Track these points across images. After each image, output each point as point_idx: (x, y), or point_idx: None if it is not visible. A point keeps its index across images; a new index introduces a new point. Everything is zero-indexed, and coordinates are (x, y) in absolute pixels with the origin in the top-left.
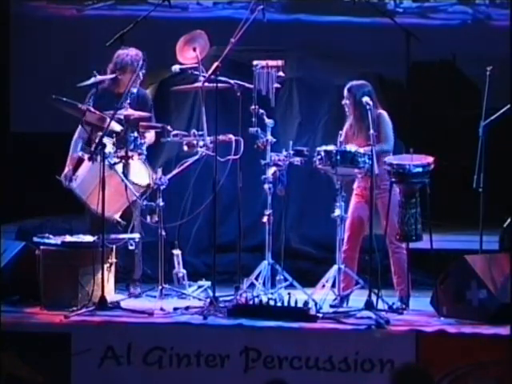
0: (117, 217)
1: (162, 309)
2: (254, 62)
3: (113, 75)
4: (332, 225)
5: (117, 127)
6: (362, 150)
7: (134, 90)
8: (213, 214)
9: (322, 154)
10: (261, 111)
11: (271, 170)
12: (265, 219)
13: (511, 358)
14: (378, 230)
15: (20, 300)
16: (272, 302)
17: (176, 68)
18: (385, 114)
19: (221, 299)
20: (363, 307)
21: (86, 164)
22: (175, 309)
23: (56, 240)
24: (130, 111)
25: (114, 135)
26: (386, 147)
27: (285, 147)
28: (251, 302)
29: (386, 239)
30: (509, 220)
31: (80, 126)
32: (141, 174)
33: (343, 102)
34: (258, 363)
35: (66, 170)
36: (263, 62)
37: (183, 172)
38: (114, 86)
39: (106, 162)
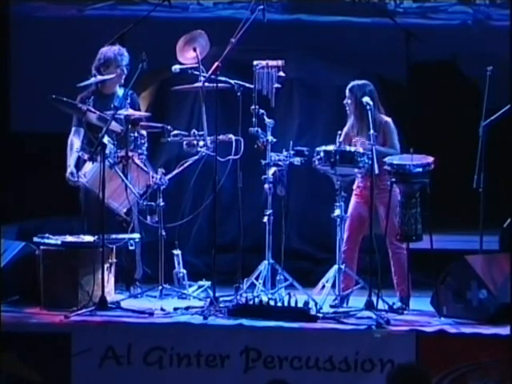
0: (124, 210)
1: (162, 309)
2: (254, 62)
3: (112, 75)
4: (332, 225)
5: (116, 127)
6: (361, 150)
7: (120, 93)
8: (213, 213)
9: (322, 154)
10: (261, 111)
11: (271, 170)
12: (265, 219)
13: (511, 358)
14: (378, 230)
15: (20, 300)
16: (272, 302)
17: (176, 68)
18: (390, 121)
19: (221, 299)
20: (363, 307)
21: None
22: (175, 309)
23: (56, 240)
24: (131, 111)
25: (114, 135)
26: (392, 152)
27: (285, 147)
28: (251, 302)
29: (386, 239)
30: (509, 220)
31: (74, 127)
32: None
33: (345, 102)
34: (258, 363)
35: (69, 169)
36: (263, 62)
37: (183, 172)
38: (100, 86)
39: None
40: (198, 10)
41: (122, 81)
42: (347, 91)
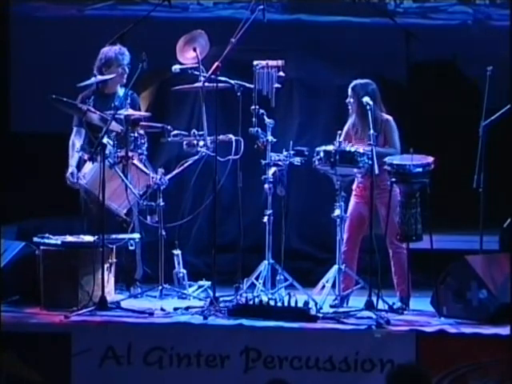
0: (124, 211)
1: (162, 309)
2: (254, 62)
3: (113, 75)
4: (332, 225)
5: (116, 127)
6: (361, 150)
7: (121, 92)
8: (213, 213)
9: (322, 154)
10: (261, 111)
11: (271, 170)
12: (265, 219)
13: (511, 358)
14: (378, 230)
15: (20, 300)
16: (272, 302)
17: (176, 68)
18: (391, 119)
19: (221, 299)
20: (363, 307)
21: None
22: (175, 309)
23: (56, 240)
24: (131, 111)
25: (114, 135)
26: (392, 151)
27: (285, 147)
28: (251, 302)
29: (386, 239)
30: (509, 220)
31: (75, 127)
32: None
33: (347, 101)
34: (258, 363)
35: (71, 169)
36: (263, 62)
37: (183, 172)
38: (101, 85)
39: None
40: (198, 10)
41: (124, 80)
42: (349, 90)
